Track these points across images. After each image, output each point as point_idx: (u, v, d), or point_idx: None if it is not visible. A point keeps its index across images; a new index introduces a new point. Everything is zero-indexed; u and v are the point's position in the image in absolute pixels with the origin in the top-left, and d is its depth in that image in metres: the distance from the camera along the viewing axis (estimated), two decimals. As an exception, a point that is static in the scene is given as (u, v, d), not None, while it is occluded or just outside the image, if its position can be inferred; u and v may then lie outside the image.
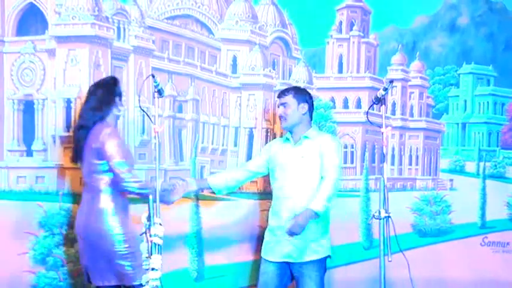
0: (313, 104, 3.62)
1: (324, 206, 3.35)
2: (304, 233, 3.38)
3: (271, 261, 3.52)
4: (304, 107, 3.51)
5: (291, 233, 3.37)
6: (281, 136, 3.88)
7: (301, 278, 3.47)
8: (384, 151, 3.30)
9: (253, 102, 4.34)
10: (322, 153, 3.45)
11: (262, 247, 3.61)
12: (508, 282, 4.47)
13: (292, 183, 3.47)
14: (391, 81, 3.16)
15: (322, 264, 3.49)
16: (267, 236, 3.60)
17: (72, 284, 3.89)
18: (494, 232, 4.61)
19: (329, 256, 3.52)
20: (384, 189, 3.05)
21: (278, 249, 3.50)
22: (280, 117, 3.54)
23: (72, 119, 3.93)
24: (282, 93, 3.56)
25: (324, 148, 3.46)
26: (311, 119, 3.60)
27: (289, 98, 3.50)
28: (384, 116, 3.14)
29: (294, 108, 3.49)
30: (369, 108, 3.32)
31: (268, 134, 4.37)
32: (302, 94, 3.55)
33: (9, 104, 3.96)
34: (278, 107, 3.57)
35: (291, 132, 3.55)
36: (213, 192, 3.72)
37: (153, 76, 3.23)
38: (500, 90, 4.83)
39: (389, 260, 3.00)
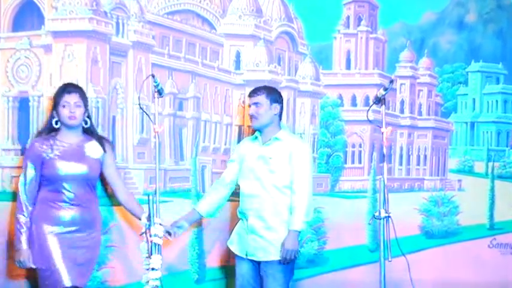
0: (283, 105, 3.63)
1: (303, 222, 3.41)
2: (269, 232, 3.45)
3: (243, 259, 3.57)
4: (277, 107, 3.55)
5: (286, 260, 3.40)
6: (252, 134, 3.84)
7: (265, 278, 3.48)
8: (384, 151, 3.30)
9: (258, 99, 4.30)
10: (292, 159, 3.46)
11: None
12: (516, 284, 4.47)
13: (259, 182, 3.48)
14: (391, 81, 3.23)
15: (288, 266, 3.49)
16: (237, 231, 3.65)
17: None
18: (502, 234, 4.60)
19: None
20: (384, 189, 3.10)
21: (243, 246, 3.56)
22: (252, 116, 3.56)
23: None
24: (254, 92, 3.57)
25: (294, 154, 3.47)
26: (280, 120, 3.62)
27: (262, 98, 3.53)
28: (383, 116, 3.18)
29: (267, 108, 3.52)
30: (369, 108, 3.38)
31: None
32: (275, 94, 3.58)
33: (4, 102, 3.88)
34: (249, 106, 3.58)
35: (260, 131, 3.57)
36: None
37: (153, 76, 3.26)
38: (511, 88, 4.80)
39: (389, 260, 3.06)
